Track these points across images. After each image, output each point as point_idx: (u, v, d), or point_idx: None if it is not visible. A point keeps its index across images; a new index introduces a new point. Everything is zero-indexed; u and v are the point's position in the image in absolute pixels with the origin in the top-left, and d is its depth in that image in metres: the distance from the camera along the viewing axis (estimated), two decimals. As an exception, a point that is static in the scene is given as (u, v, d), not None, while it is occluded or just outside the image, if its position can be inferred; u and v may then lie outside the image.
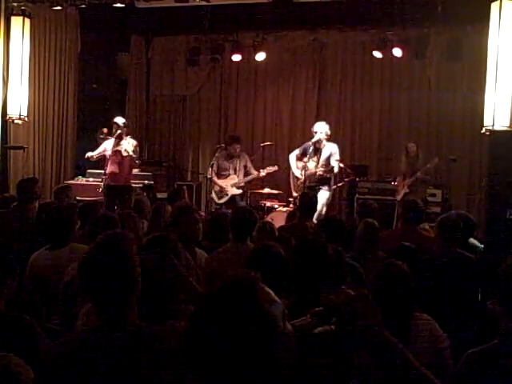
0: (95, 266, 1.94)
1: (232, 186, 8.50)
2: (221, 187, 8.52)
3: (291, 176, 8.26)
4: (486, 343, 2.37)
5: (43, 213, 4.52)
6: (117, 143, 8.00)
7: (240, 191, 8.59)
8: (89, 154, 8.22)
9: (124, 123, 8.13)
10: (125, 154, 7.97)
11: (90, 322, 2.52)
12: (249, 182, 8.67)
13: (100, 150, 8.19)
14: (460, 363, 2.40)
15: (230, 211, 5.62)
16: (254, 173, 8.51)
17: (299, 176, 7.90)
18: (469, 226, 4.97)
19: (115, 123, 8.06)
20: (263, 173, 8.50)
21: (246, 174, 8.54)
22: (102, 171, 8.17)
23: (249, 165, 8.54)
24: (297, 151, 8.20)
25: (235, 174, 8.51)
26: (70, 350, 1.92)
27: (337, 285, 3.39)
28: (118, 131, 7.99)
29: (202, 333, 1.27)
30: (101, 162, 8.36)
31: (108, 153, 8.05)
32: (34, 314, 2.92)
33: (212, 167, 8.57)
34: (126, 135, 8.08)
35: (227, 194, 8.50)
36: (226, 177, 8.54)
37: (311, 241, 2.73)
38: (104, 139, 8.75)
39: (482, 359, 2.31)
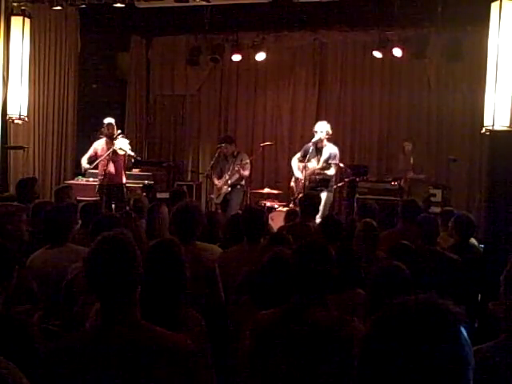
0: (100, 263, 1.96)
1: (223, 184, 8.51)
2: (216, 186, 8.57)
3: (293, 179, 8.24)
4: (481, 343, 2.36)
5: (39, 212, 4.52)
6: (111, 143, 8.00)
7: (229, 189, 8.51)
8: (85, 166, 8.17)
9: (115, 122, 8.17)
10: (121, 152, 7.98)
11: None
12: (238, 180, 8.56)
13: (91, 152, 8.18)
14: None
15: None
16: (240, 172, 8.43)
17: (300, 177, 7.90)
18: (469, 226, 4.97)
19: (110, 124, 8.06)
20: (241, 169, 8.42)
21: (237, 172, 8.49)
22: (97, 171, 8.18)
23: (242, 163, 8.49)
24: (298, 155, 8.21)
25: (228, 173, 8.50)
26: (73, 347, 1.94)
27: (350, 287, 3.39)
28: (114, 131, 8.04)
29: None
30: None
31: (100, 153, 8.06)
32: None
33: (212, 167, 8.59)
34: (118, 134, 8.11)
35: (220, 194, 8.53)
36: (221, 176, 8.58)
37: (312, 242, 2.71)
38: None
39: (484, 357, 2.30)
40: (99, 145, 8.14)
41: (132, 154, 8.10)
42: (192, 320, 2.62)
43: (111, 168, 7.97)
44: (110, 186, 7.93)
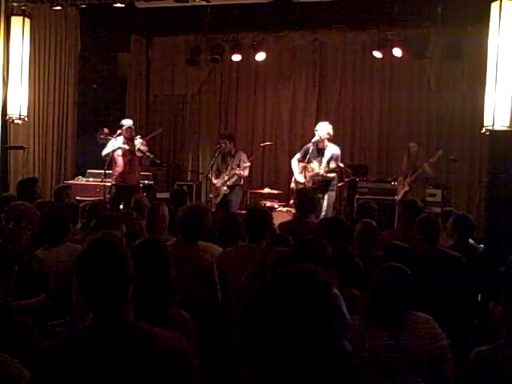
0: (88, 265, 1.97)
1: (222, 184, 8.48)
2: (214, 186, 8.56)
3: (292, 180, 8.21)
4: (481, 342, 2.36)
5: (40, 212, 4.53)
6: (129, 144, 8.06)
7: (228, 190, 8.49)
8: (104, 152, 8.25)
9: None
10: (140, 154, 8.07)
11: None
12: (237, 181, 8.53)
13: (109, 149, 8.16)
14: (466, 362, 2.38)
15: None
16: (238, 172, 8.40)
17: (302, 180, 7.87)
18: (468, 226, 4.97)
19: (129, 127, 8.15)
20: (241, 172, 8.41)
21: (236, 174, 8.45)
22: (102, 171, 8.19)
23: (242, 164, 8.46)
24: (298, 155, 8.18)
25: (227, 172, 8.48)
26: (67, 348, 1.94)
27: (345, 286, 3.39)
28: (132, 133, 8.22)
29: (261, 315, 1.24)
30: (107, 162, 8.36)
31: (117, 153, 8.09)
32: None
33: (212, 167, 8.58)
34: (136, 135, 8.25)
35: (218, 194, 8.52)
36: (218, 175, 8.56)
37: (310, 241, 2.72)
38: (104, 139, 8.72)
39: (485, 360, 2.29)
40: (116, 144, 8.16)
41: (151, 155, 8.23)
42: (178, 319, 2.62)
43: (126, 169, 8.05)
44: (125, 188, 7.95)
